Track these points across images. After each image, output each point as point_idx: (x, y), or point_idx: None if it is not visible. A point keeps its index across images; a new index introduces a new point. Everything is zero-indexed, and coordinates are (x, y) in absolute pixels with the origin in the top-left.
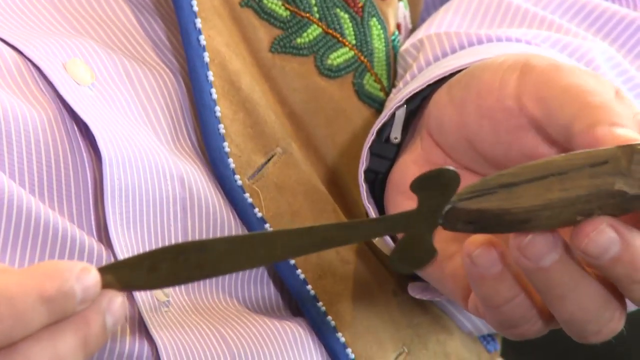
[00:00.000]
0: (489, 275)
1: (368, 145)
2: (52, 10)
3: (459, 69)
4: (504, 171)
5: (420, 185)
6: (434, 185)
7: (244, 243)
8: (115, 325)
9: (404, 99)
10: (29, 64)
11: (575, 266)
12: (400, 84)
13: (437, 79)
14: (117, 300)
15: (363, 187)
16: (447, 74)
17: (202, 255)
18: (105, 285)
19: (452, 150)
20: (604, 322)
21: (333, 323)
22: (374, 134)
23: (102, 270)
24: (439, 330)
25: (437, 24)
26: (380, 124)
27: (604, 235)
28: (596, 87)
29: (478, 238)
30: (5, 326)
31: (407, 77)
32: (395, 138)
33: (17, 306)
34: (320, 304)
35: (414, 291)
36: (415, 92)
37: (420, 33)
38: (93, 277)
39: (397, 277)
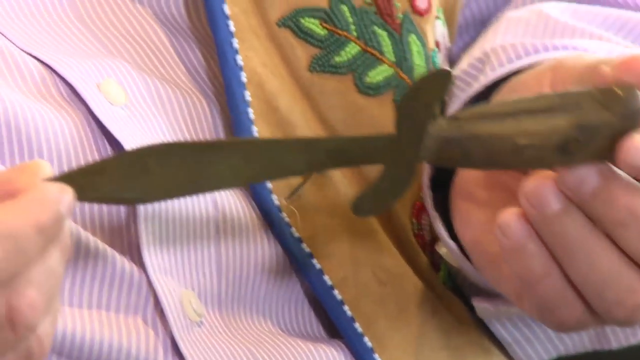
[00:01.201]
0: (519, 246)
1: None
2: (85, 31)
3: (514, 70)
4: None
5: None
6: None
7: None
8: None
9: (463, 104)
10: (57, 80)
11: (583, 219)
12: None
13: (493, 80)
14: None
15: (428, 196)
16: (503, 76)
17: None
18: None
19: None
20: (623, 291)
21: (370, 344)
22: None
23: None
24: (477, 353)
25: (490, 41)
26: None
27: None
28: None
29: (510, 209)
30: (10, 263)
31: (475, 85)
32: None
33: (20, 243)
34: (357, 325)
35: (478, 302)
36: (473, 95)
37: (475, 52)
38: (70, 196)
39: (435, 297)
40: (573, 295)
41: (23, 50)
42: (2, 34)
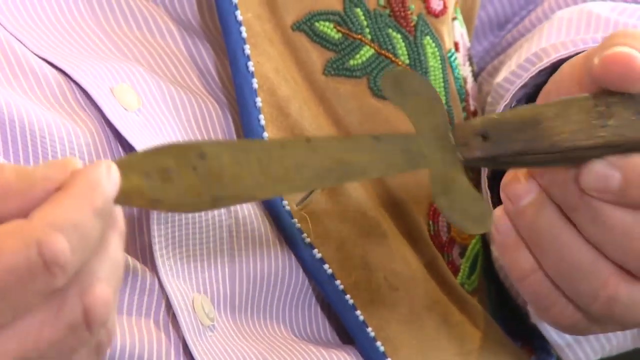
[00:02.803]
0: (507, 241)
1: None
2: (101, 35)
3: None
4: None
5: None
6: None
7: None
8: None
9: (517, 88)
10: (73, 85)
11: (555, 213)
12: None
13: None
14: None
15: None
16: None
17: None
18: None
19: None
20: (595, 284)
21: (382, 348)
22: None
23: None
24: (490, 358)
25: (536, 44)
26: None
27: (596, 165)
28: None
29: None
30: (78, 255)
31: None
32: None
33: (82, 230)
34: (369, 329)
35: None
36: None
37: (523, 56)
38: (116, 172)
39: (452, 300)
40: (561, 295)
41: (37, 56)
42: (17, 39)
